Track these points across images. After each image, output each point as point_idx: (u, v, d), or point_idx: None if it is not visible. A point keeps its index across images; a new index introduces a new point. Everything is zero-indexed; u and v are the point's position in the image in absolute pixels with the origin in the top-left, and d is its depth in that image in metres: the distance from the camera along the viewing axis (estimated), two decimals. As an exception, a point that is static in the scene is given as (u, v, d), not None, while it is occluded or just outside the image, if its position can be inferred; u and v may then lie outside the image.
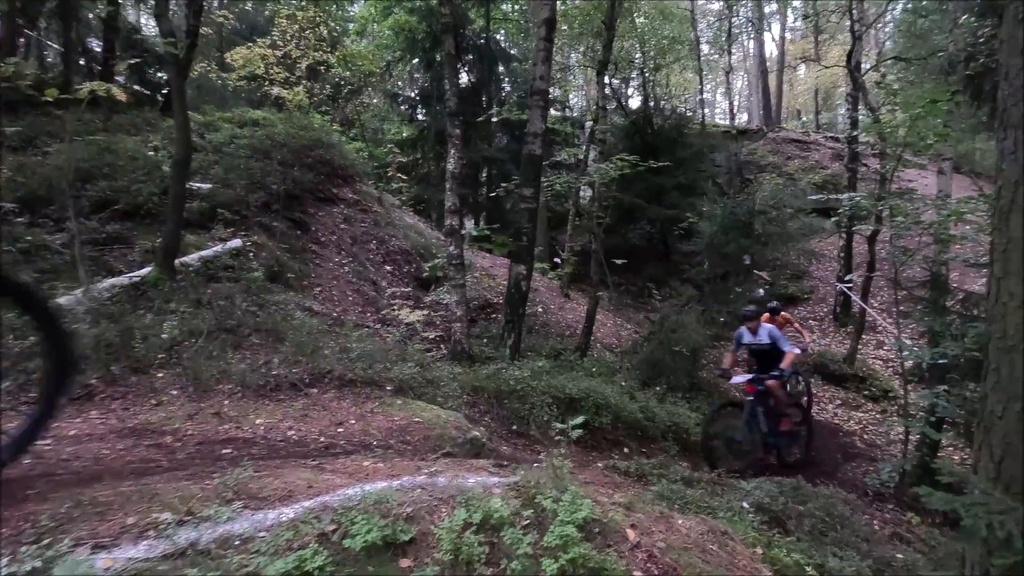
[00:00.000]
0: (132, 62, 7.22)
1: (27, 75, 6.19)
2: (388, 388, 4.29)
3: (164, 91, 10.89)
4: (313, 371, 4.13)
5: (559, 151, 14.45)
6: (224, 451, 2.87)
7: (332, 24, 12.82)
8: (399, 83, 19.18)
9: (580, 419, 2.66)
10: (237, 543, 1.80)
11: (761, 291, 9.37)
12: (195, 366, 3.73)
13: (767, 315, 7.47)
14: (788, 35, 29.56)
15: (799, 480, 4.50)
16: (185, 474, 2.31)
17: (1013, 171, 2.48)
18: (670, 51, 16.91)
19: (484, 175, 15.97)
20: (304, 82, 13.71)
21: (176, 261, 5.09)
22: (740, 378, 6.01)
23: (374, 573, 1.77)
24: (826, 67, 20.25)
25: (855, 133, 11.98)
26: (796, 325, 8.44)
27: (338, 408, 3.82)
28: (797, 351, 6.10)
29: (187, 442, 2.94)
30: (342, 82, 14.39)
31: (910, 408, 6.38)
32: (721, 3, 22.52)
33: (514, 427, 4.75)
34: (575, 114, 19.76)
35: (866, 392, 9.99)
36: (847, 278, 11.78)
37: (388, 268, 7.96)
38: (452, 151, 6.30)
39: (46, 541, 1.64)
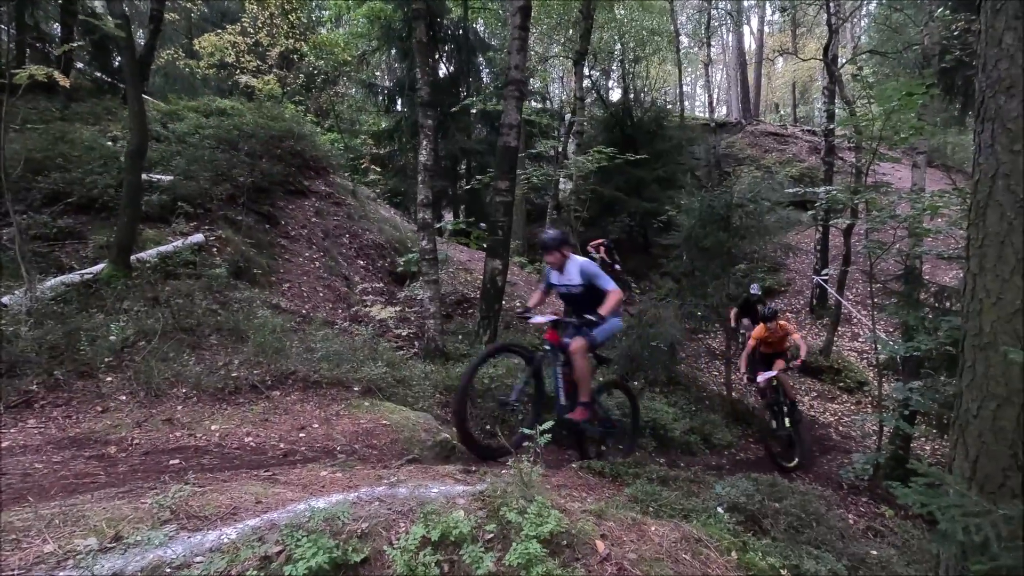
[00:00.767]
0: (74, 45, 6.85)
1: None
2: (356, 389, 4.13)
3: (127, 79, 10.48)
4: (276, 372, 3.95)
5: (538, 143, 14.30)
6: (172, 462, 2.69)
7: (304, 12, 12.44)
8: (376, 73, 18.81)
9: (548, 424, 2.54)
10: (168, 571, 1.64)
11: (755, 287, 9.31)
12: (147, 369, 3.53)
13: (760, 326, 6.60)
14: (766, 28, 29.73)
15: (775, 476, 4.47)
16: (121, 491, 2.13)
17: (990, 164, 2.42)
18: (649, 43, 16.82)
19: (463, 167, 15.75)
20: (276, 71, 13.33)
21: (132, 257, 4.85)
22: (541, 318, 4.18)
23: (318, 603, 1.63)
24: (803, 60, 20.41)
25: (831, 126, 12.06)
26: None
27: (301, 411, 3.65)
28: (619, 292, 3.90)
29: (132, 452, 2.75)
30: (316, 71, 14.03)
31: (884, 400, 6.42)
32: (700, -5, 22.50)
33: (488, 427, 4.62)
34: (555, 106, 19.60)
35: (841, 384, 10.10)
36: (823, 271, 11.91)
37: (361, 263, 7.75)
38: (424, 142, 6.12)
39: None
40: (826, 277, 11.85)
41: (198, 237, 5.69)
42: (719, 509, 3.08)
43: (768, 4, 25.38)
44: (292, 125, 9.03)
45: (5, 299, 3.93)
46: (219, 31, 11.79)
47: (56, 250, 5.01)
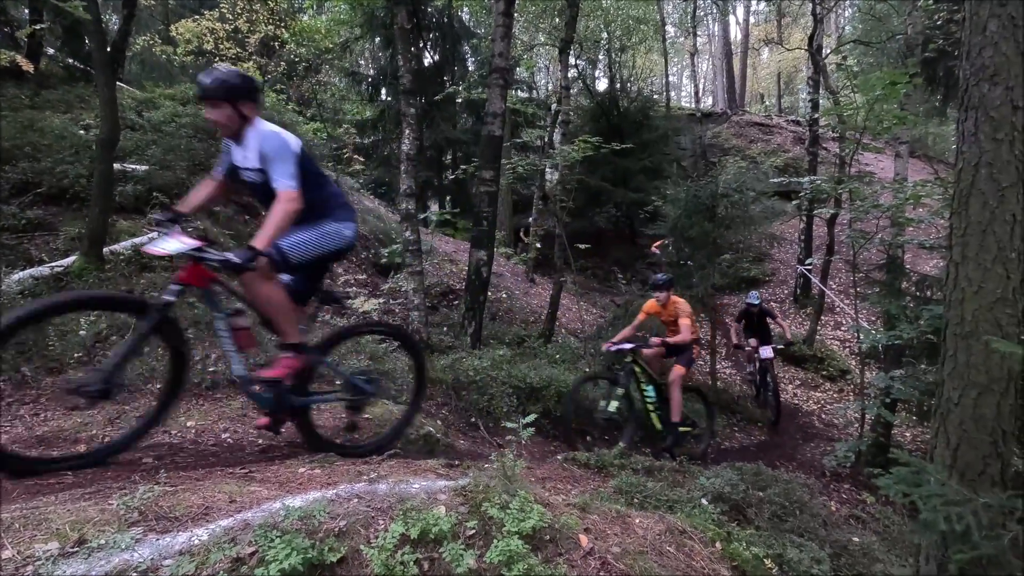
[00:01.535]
0: (38, 28, 6.63)
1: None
2: (338, 383, 4.05)
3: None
4: (253, 367, 3.86)
5: (524, 132, 14.20)
6: (145, 460, 2.61)
7: (284, -3, 12.17)
8: (360, 61, 18.50)
9: (531, 417, 2.50)
10: (134, 575, 1.58)
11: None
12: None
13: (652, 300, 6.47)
14: (752, 18, 29.75)
15: (759, 465, 4.50)
16: (88, 491, 2.06)
17: (973, 153, 2.40)
18: (635, 32, 16.74)
19: (448, 157, 15.60)
20: (256, 58, 13.04)
21: (105, 249, 4.70)
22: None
23: (292, 605, 1.58)
24: (788, 50, 20.45)
25: (816, 116, 12.11)
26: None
27: (281, 406, 3.57)
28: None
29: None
30: (297, 59, 13.74)
31: (866, 389, 6.50)
32: (687, -16, 22.39)
33: (472, 420, 4.58)
34: (541, 95, 19.46)
35: (824, 372, 10.22)
36: (807, 261, 12.01)
37: (344, 254, 7.64)
38: (407, 131, 6.01)
39: None
40: (810, 267, 11.96)
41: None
42: (703, 500, 3.08)
43: (754, -7, 25.40)
44: (272, 114, 8.84)
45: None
46: (197, 17, 11.49)
47: (25, 242, 4.85)
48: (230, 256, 2.41)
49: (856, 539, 3.81)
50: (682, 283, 8.90)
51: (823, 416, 8.87)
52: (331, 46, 13.09)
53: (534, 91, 18.07)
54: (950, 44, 8.34)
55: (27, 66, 4.29)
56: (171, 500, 1.99)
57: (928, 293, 5.89)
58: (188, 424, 3.16)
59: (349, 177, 10.97)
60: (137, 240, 5.07)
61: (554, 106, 13.15)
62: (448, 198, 15.45)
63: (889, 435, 6.27)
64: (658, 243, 11.51)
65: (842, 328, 11.74)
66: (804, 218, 12.57)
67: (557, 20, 13.00)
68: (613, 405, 4.82)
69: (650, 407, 5.28)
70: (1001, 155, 2.30)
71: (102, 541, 1.66)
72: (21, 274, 4.18)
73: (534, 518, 2.04)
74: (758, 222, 9.14)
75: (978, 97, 2.38)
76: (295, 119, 10.16)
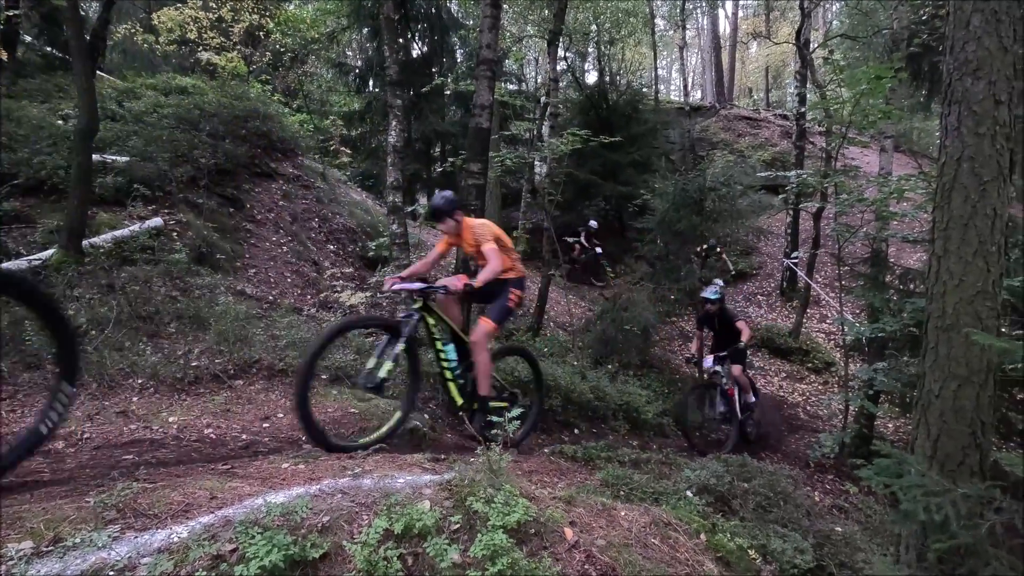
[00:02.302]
0: (11, 14, 6.47)
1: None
2: (323, 377, 4.03)
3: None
4: (239, 361, 3.82)
5: (512, 125, 14.12)
6: (125, 457, 2.57)
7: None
8: (347, 53, 18.27)
9: (517, 411, 2.49)
10: (111, 574, 1.55)
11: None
12: (99, 359, 3.37)
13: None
14: (741, 12, 29.79)
15: (745, 456, 4.54)
16: (65, 489, 2.02)
17: (956, 147, 2.42)
18: (625, 24, 16.68)
19: (436, 150, 15.49)
20: (240, 48, 12.82)
21: (84, 242, 4.62)
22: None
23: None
24: (776, 43, 20.51)
25: (803, 110, 12.17)
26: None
27: (265, 401, 3.54)
28: None
29: (82, 447, 2.62)
30: (283, 49, 13.54)
31: (850, 381, 6.58)
32: (676, -23, 22.34)
33: (460, 413, 4.56)
34: (530, 88, 19.37)
35: (809, 365, 10.33)
36: (793, 254, 12.11)
37: (331, 247, 7.57)
38: (394, 123, 5.94)
39: None
40: (796, 260, 12.06)
41: (156, 221, 5.45)
42: (688, 492, 3.10)
43: (743, -13, 25.42)
44: (258, 105, 8.72)
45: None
46: (179, 5, 11.25)
47: (2, 235, 4.74)
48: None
49: (839, 529, 3.86)
50: (670, 276, 8.95)
51: (808, 408, 8.98)
52: (317, 36, 12.92)
53: (523, 83, 17.96)
54: (935, 39, 8.41)
55: (2, 54, 4.17)
56: (150, 497, 1.96)
57: (911, 286, 5.96)
58: (170, 420, 3.11)
59: (336, 170, 10.85)
60: (118, 232, 4.98)
61: (543, 99, 13.11)
62: (437, 191, 15.35)
63: (872, 426, 6.36)
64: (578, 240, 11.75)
65: (827, 321, 11.87)
66: (791, 212, 12.65)
67: (546, 12, 12.92)
68: (385, 368, 3.28)
69: (448, 374, 3.72)
70: (983, 149, 2.32)
71: (78, 539, 1.63)
72: (-3, 267, 4.08)
73: (519, 512, 2.04)
74: (745, 216, 9.19)
75: (961, 91, 2.40)
76: (281, 110, 10.01)
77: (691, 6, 23.40)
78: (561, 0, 8.55)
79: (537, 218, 12.21)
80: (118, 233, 4.99)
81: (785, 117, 21.33)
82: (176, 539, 1.72)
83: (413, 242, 7.42)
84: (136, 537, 1.72)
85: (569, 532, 2.16)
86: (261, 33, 13.23)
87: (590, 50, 18.47)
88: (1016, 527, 1.91)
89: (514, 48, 14.95)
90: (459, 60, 14.90)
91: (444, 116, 14.67)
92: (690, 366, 8.02)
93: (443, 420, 4.49)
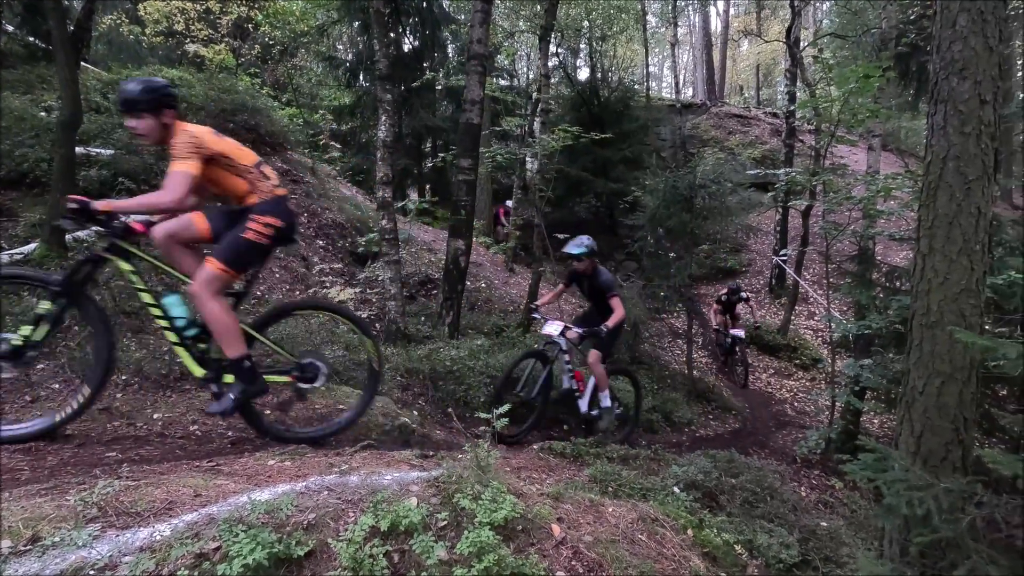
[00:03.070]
0: None
1: None
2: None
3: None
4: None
5: (504, 121, 14.09)
6: (108, 454, 2.54)
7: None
8: (338, 46, 18.12)
9: (505, 407, 2.49)
10: (91, 573, 1.53)
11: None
12: (83, 355, 3.32)
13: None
14: (732, 9, 29.89)
15: (732, 452, 4.57)
16: (45, 487, 1.99)
17: (942, 146, 2.44)
18: (617, 21, 16.66)
19: (427, 145, 15.41)
20: (228, 40, 12.67)
21: (68, 236, 4.54)
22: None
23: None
24: (767, 42, 20.59)
25: (792, 108, 12.25)
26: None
27: (252, 397, 3.49)
28: None
29: (64, 445, 2.58)
30: (272, 42, 13.39)
31: (836, 377, 6.64)
32: (668, -26, 22.34)
33: (449, 410, 4.56)
34: (522, 84, 19.31)
35: (797, 361, 10.43)
36: (782, 252, 12.20)
37: (320, 243, 7.51)
38: (384, 118, 5.90)
39: None
40: (785, 257, 12.15)
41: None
42: (676, 488, 3.11)
43: (734, -15, 25.48)
44: (246, 98, 8.60)
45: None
46: (165, -4, 11.10)
47: (-18, 228, 4.66)
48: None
49: (824, 524, 3.91)
50: (660, 273, 8.98)
51: (795, 404, 9.06)
52: (307, 29, 12.80)
53: (515, 79, 17.90)
54: (923, 39, 8.49)
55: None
56: (133, 495, 1.94)
57: (897, 284, 6.02)
58: (155, 417, 3.08)
59: (326, 164, 10.75)
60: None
61: (534, 95, 13.08)
62: (428, 186, 15.28)
63: (858, 422, 6.43)
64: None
65: (815, 318, 11.98)
66: (780, 209, 12.75)
67: (538, 7, 12.87)
68: (25, 330, 2.58)
69: (172, 336, 2.83)
70: (968, 149, 2.34)
71: (57, 538, 1.61)
72: (-23, 261, 4.01)
73: (506, 508, 2.04)
74: (735, 213, 9.24)
75: (947, 91, 2.41)
76: (270, 104, 9.90)
77: (683, 3, 23.45)
78: (552, -5, 8.52)
79: (528, 214, 12.19)
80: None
81: (775, 115, 21.44)
82: (158, 537, 1.70)
83: (403, 237, 7.38)
84: (117, 535, 1.69)
85: (556, 528, 2.16)
86: (250, 25, 13.10)
87: (582, 46, 18.44)
88: (996, 521, 1.93)
89: (506, 44, 14.90)
90: (451, 55, 14.81)
91: (435, 111, 14.59)
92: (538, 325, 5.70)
93: (431, 417, 4.48)
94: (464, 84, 6.54)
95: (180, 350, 2.83)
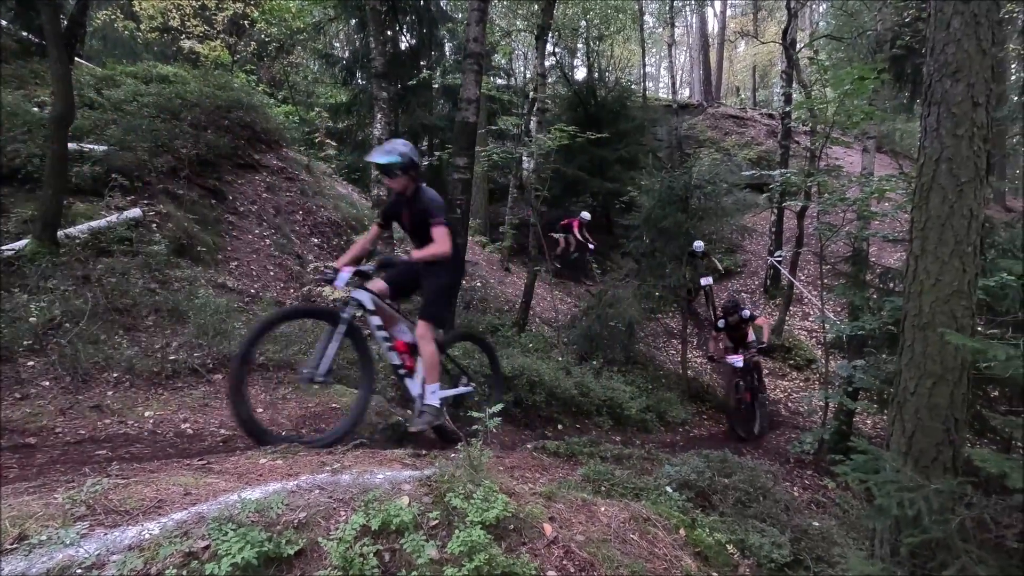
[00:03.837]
0: None
1: None
2: (305, 371, 3.97)
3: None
4: (218, 355, 3.77)
5: (500, 120, 14.07)
6: (98, 452, 2.52)
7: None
8: (335, 44, 18.06)
9: (498, 407, 2.48)
10: (78, 572, 1.52)
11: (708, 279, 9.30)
12: (73, 352, 3.29)
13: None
14: (729, 11, 29.95)
15: (726, 452, 4.58)
16: (33, 485, 1.97)
17: (935, 148, 2.45)
18: (614, 20, 16.67)
19: (424, 144, 15.37)
20: (224, 37, 12.61)
21: (60, 232, 4.51)
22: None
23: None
24: (763, 43, 20.64)
25: (788, 109, 12.28)
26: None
27: (245, 395, 3.48)
28: None
29: (55, 443, 2.56)
30: (268, 39, 13.34)
31: (830, 377, 6.67)
32: (665, -26, 22.36)
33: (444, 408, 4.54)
34: (519, 83, 19.31)
35: (792, 362, 10.46)
36: (777, 253, 12.23)
37: (315, 241, 7.49)
38: (379, 115, 5.89)
39: None
40: (780, 258, 12.18)
41: (135, 212, 5.34)
42: (668, 488, 3.12)
43: (731, -14, 25.53)
44: (241, 95, 8.56)
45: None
46: (161, -9, 11.04)
47: (-27, 224, 4.62)
48: None
49: (816, 524, 3.92)
50: (655, 273, 8.99)
51: (789, 404, 9.10)
52: (303, 27, 12.74)
53: (511, 78, 17.89)
54: (917, 41, 8.53)
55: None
56: (122, 493, 1.92)
57: (891, 285, 6.04)
58: (146, 414, 3.06)
59: (322, 162, 10.72)
60: (95, 223, 4.87)
61: (531, 94, 13.07)
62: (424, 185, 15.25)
63: (851, 423, 6.46)
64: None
65: (809, 319, 12.02)
66: (775, 210, 12.78)
67: (535, 7, 12.86)
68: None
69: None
70: (961, 151, 2.34)
71: (44, 536, 1.59)
72: (-33, 257, 3.98)
73: (498, 508, 2.03)
74: (730, 214, 9.26)
75: (940, 93, 2.42)
76: (265, 101, 9.86)
77: (680, 4, 23.47)
78: (550, -5, 8.51)
79: (524, 214, 12.19)
80: (95, 224, 4.88)
81: (771, 116, 21.50)
82: (147, 536, 1.69)
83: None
84: (106, 534, 1.68)
85: (548, 528, 2.16)
86: (246, 22, 13.04)
87: (579, 46, 18.45)
88: (986, 522, 1.94)
89: (502, 43, 14.88)
90: (447, 54, 14.79)
91: (432, 110, 14.56)
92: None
93: (426, 415, 4.46)
94: (460, 83, 6.52)
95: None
